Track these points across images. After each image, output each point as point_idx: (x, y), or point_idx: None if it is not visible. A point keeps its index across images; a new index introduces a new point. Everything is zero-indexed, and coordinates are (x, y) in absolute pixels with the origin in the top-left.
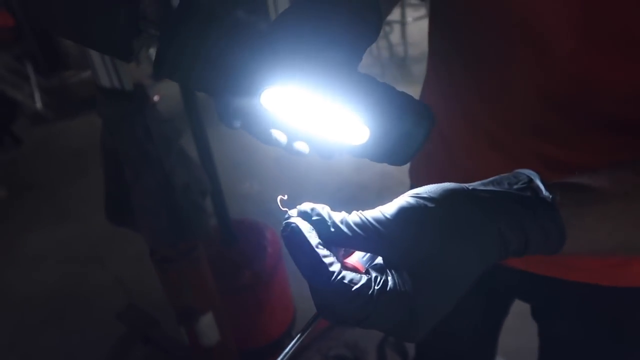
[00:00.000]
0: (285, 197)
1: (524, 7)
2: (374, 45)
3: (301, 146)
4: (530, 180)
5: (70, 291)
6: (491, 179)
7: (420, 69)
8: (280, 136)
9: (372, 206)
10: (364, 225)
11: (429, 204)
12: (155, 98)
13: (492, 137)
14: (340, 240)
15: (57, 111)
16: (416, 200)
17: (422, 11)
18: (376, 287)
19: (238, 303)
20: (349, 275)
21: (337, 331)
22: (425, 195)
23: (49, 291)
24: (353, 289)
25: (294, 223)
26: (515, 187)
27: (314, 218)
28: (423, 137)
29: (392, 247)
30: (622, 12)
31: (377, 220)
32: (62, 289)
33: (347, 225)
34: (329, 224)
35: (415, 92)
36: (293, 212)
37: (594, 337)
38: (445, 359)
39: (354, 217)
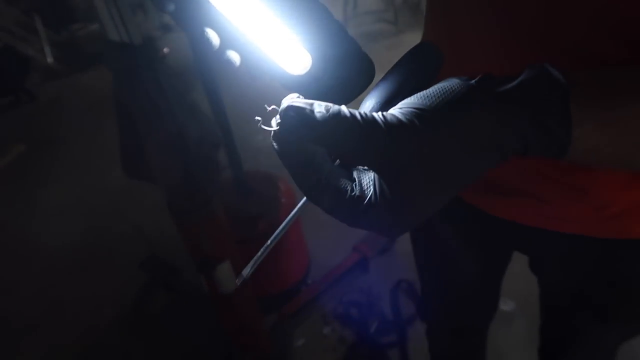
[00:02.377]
0: (265, 113)
1: None
2: None
3: (233, 56)
4: (544, 70)
5: (92, 242)
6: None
7: None
8: (213, 37)
9: None
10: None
11: (423, 122)
12: (165, 50)
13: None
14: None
15: (68, 65)
16: (409, 116)
17: None
18: (357, 209)
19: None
20: (338, 183)
21: (351, 278)
22: (421, 110)
23: (72, 243)
24: (344, 197)
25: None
26: (529, 83)
27: (292, 117)
28: (361, 89)
29: (377, 167)
30: None
31: (371, 126)
32: (84, 240)
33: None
34: (310, 120)
35: None
36: (274, 122)
37: (589, 288)
38: (449, 304)
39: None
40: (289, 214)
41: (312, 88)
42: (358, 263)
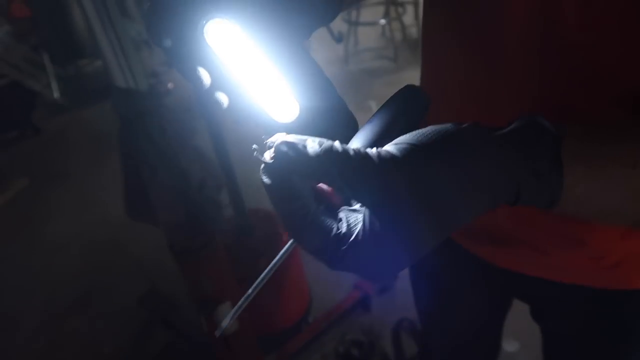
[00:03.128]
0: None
1: None
2: (387, 27)
3: (221, 97)
4: (536, 119)
5: (93, 277)
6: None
7: None
8: (204, 76)
9: None
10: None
11: (418, 157)
12: (170, 85)
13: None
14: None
15: (74, 100)
16: (404, 151)
17: None
18: (344, 247)
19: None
20: (322, 222)
21: (353, 316)
22: (416, 146)
23: (73, 277)
24: (326, 238)
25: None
26: (523, 131)
27: (286, 152)
28: (343, 142)
29: (369, 200)
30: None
31: (364, 160)
32: (85, 275)
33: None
34: (302, 156)
35: None
36: (267, 155)
37: (590, 338)
38: (451, 348)
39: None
40: (291, 251)
41: (305, 126)
42: (359, 301)
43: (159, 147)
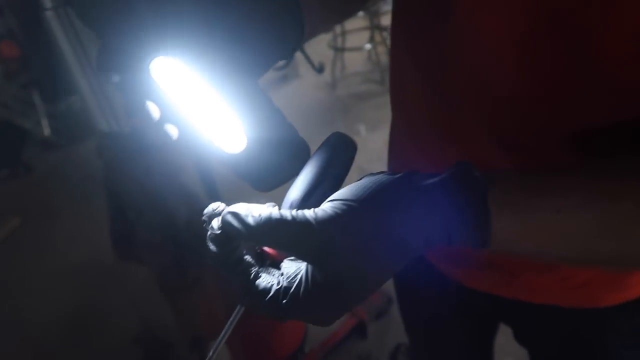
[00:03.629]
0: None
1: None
2: (372, 51)
3: (171, 130)
4: (465, 168)
5: (86, 315)
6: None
7: None
8: (154, 110)
9: None
10: (278, 224)
11: (352, 213)
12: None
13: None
14: (257, 239)
15: (65, 137)
16: (338, 210)
17: None
18: (284, 299)
19: (248, 324)
20: (262, 283)
21: (349, 344)
22: (349, 201)
23: (65, 316)
24: (266, 298)
25: (211, 236)
26: (451, 179)
27: (231, 222)
28: (291, 174)
29: (310, 258)
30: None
31: (302, 226)
32: (77, 313)
33: (264, 223)
34: (245, 226)
35: None
36: (215, 223)
37: (571, 357)
38: None
39: (274, 214)
40: None
41: (244, 167)
42: (355, 328)
43: (145, 189)
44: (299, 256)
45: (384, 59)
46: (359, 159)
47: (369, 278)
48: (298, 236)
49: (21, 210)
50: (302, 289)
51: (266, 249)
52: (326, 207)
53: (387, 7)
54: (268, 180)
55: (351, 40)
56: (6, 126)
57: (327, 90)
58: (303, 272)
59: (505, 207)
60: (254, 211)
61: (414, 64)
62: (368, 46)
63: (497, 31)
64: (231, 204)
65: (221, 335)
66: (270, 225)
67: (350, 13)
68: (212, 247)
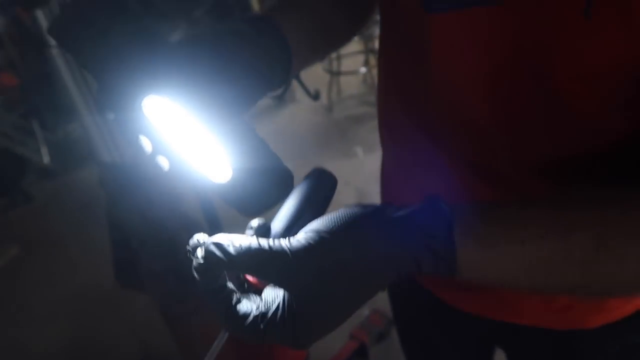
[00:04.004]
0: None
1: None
2: (367, 75)
3: (162, 161)
4: (434, 201)
5: (86, 344)
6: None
7: None
8: (146, 144)
9: None
10: (257, 254)
11: (324, 243)
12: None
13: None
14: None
15: (64, 164)
16: (311, 239)
17: None
18: (262, 324)
19: (250, 351)
20: (242, 309)
21: None
22: (322, 232)
23: (65, 346)
24: (245, 323)
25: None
26: (420, 212)
27: (213, 251)
28: (276, 200)
29: (286, 285)
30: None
31: (278, 254)
32: (78, 341)
33: (244, 254)
34: (226, 255)
35: None
36: (199, 253)
37: None
38: None
39: (252, 244)
40: None
41: (231, 196)
42: (357, 351)
43: (147, 218)
44: (276, 282)
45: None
46: (357, 181)
47: (340, 306)
48: (274, 264)
49: (20, 238)
50: (278, 314)
51: (248, 276)
52: (300, 237)
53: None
54: (254, 207)
55: (346, 64)
56: (5, 155)
57: (324, 114)
58: (280, 299)
59: (470, 238)
60: (235, 241)
61: (400, 97)
62: (363, 69)
63: (466, 71)
64: (228, 231)
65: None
66: (249, 255)
67: (331, 49)
68: (196, 275)
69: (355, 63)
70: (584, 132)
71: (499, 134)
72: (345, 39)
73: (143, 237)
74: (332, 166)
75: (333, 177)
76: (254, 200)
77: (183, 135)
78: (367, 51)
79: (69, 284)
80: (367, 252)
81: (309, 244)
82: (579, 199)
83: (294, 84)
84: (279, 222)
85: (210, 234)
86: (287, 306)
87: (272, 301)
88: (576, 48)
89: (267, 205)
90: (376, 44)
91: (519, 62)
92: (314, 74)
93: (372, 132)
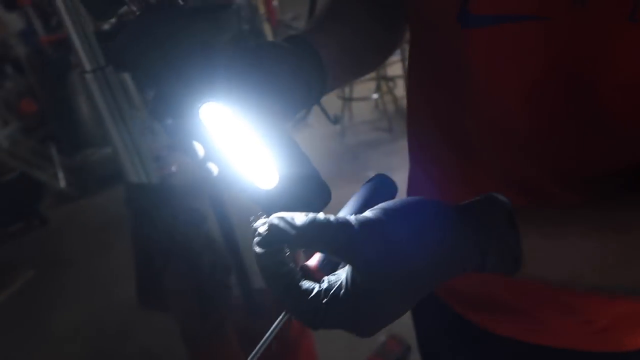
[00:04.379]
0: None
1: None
2: (379, 101)
3: (212, 167)
4: (496, 200)
5: None
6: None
7: None
8: (199, 149)
9: None
10: (327, 227)
11: (391, 220)
12: (173, 168)
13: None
14: (303, 243)
15: (80, 188)
16: (379, 215)
17: None
18: (325, 299)
19: None
20: (304, 284)
21: None
22: (389, 210)
23: None
24: (307, 298)
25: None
26: (479, 204)
27: (277, 224)
28: (317, 208)
29: (351, 257)
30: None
31: (344, 226)
32: None
33: (311, 227)
34: (292, 226)
35: None
36: (261, 227)
37: None
38: None
39: (319, 218)
40: (302, 329)
41: (275, 203)
42: None
43: (172, 237)
44: (340, 255)
45: (391, 107)
46: None
47: (406, 284)
48: (340, 235)
49: (36, 261)
50: (342, 289)
51: (308, 263)
52: (367, 213)
53: (393, 58)
54: (300, 207)
55: (358, 91)
56: (23, 180)
57: (337, 139)
58: (344, 277)
59: (534, 227)
60: (299, 216)
61: (431, 114)
62: (375, 96)
63: (508, 83)
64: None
65: (262, 341)
66: (315, 225)
67: (360, 74)
68: (258, 249)
69: (368, 90)
70: (623, 144)
71: (539, 145)
72: (386, 53)
73: (168, 255)
74: (346, 190)
75: (394, 184)
76: (299, 206)
77: (233, 142)
78: (379, 78)
79: (84, 307)
80: (435, 232)
81: (377, 217)
82: (626, 203)
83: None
84: (341, 213)
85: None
86: (352, 281)
87: (335, 280)
88: (620, 56)
89: (309, 211)
90: (388, 71)
91: (561, 73)
92: (327, 101)
93: (384, 157)
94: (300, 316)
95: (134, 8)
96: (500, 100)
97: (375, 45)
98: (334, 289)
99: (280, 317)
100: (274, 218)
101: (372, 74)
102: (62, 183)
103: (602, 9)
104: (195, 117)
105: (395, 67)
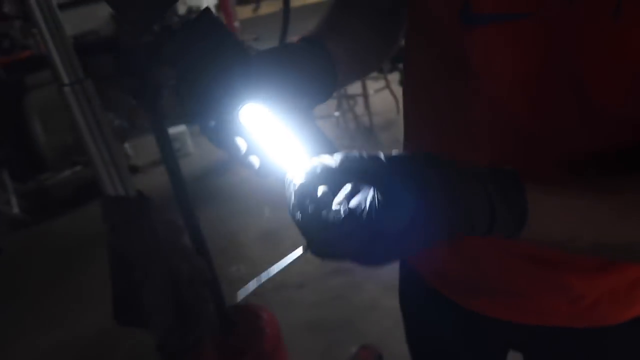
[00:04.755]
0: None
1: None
2: (340, 119)
3: (254, 159)
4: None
5: None
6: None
7: (385, 136)
8: (242, 144)
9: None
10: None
11: (415, 161)
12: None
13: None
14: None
15: (36, 215)
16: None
17: (382, 83)
18: (349, 202)
19: None
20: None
21: None
22: (419, 159)
23: None
24: (334, 202)
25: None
26: (488, 169)
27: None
28: None
29: (379, 183)
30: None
31: (374, 157)
32: None
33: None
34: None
35: None
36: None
37: None
38: None
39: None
40: (275, 344)
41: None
42: None
43: (151, 251)
44: (370, 181)
45: (352, 124)
46: None
47: (421, 214)
48: (370, 165)
49: None
50: (368, 196)
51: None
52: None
53: None
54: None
55: (320, 108)
56: None
57: None
58: (369, 199)
59: (538, 187)
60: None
61: (431, 108)
62: (337, 113)
63: (506, 75)
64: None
65: (272, 274)
66: (349, 157)
67: (363, 75)
68: (297, 180)
69: (329, 108)
70: (618, 130)
71: (539, 134)
72: (381, 59)
73: (146, 268)
74: None
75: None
76: None
77: (270, 136)
78: (340, 96)
79: (47, 336)
80: (449, 177)
81: (403, 155)
82: (617, 177)
83: None
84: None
85: (200, 260)
86: (376, 194)
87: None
88: (604, 51)
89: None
90: (349, 89)
91: (554, 66)
92: None
93: None
94: (322, 229)
95: (175, 19)
96: (499, 91)
97: (374, 50)
98: (360, 192)
99: (299, 250)
100: (313, 160)
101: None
102: (15, 209)
103: (588, 6)
104: (236, 117)
105: (355, 86)
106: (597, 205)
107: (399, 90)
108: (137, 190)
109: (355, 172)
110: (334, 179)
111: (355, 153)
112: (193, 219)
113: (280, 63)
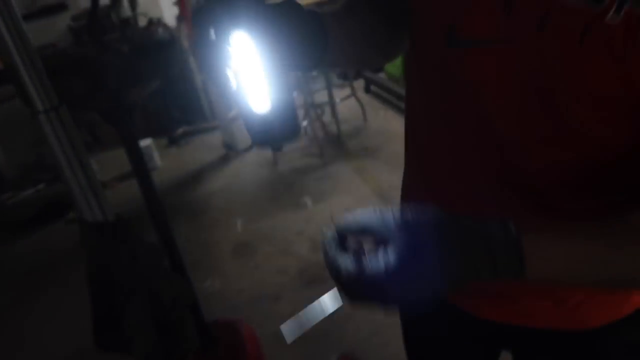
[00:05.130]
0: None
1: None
2: (308, 128)
3: (232, 80)
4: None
5: None
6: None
7: (353, 143)
8: (229, 74)
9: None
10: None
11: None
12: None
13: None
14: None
15: None
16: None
17: (348, 91)
18: (364, 256)
19: None
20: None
21: None
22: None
23: None
24: (349, 255)
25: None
26: (485, 222)
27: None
28: (292, 134)
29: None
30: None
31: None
32: None
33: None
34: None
35: (354, 166)
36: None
37: None
38: None
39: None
40: (256, 358)
41: (267, 124)
42: None
43: (132, 273)
44: (384, 232)
45: (320, 133)
46: (309, 231)
47: (429, 270)
48: (384, 222)
49: None
50: (380, 252)
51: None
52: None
53: (317, 86)
54: (282, 134)
55: None
56: None
57: (269, 167)
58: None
59: (537, 234)
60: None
61: (442, 119)
62: (304, 123)
63: (488, 94)
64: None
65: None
66: (369, 214)
67: (358, 64)
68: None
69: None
70: (593, 147)
71: (524, 147)
72: (387, 56)
73: (128, 293)
74: (284, 218)
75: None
76: (277, 126)
77: (248, 68)
78: (307, 105)
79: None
80: (458, 237)
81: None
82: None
83: (237, 137)
84: None
85: (181, 282)
86: (388, 251)
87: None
88: (574, 74)
89: (289, 135)
90: (315, 98)
91: (532, 87)
92: None
93: (318, 183)
94: (343, 273)
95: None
96: (483, 107)
97: (378, 44)
98: (376, 252)
99: (337, 302)
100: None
101: (300, 101)
102: None
103: (558, 33)
104: (226, 44)
105: (322, 94)
106: (596, 249)
107: (364, 98)
108: (116, 213)
109: (377, 226)
110: (359, 227)
111: (373, 209)
112: (169, 235)
113: (276, 9)
